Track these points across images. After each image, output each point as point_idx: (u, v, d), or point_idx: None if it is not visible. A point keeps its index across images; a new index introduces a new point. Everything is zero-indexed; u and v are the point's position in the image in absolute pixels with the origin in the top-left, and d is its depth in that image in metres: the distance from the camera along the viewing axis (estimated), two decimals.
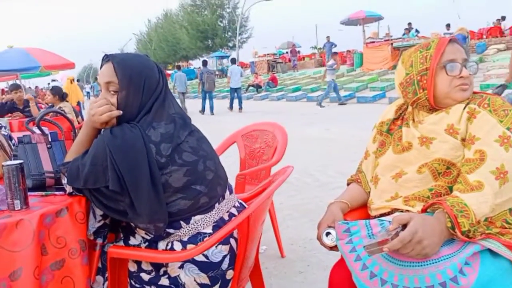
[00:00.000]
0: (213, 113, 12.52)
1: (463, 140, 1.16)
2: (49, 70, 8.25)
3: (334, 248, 1.24)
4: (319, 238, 1.28)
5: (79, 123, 5.57)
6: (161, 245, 1.31)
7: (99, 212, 1.39)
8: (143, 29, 50.32)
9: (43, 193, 1.39)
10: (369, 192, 1.39)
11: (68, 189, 1.30)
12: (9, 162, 1.23)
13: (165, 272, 1.30)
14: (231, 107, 12.99)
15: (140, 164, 1.19)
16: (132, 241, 1.38)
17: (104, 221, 1.42)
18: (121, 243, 1.40)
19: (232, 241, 1.35)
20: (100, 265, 1.41)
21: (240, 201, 1.52)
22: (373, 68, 15.83)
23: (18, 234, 1.15)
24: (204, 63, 14.38)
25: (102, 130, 1.29)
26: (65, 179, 1.30)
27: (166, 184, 1.24)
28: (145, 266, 1.33)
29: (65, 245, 1.26)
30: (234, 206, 1.43)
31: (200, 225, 1.29)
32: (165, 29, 42.22)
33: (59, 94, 5.47)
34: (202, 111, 12.94)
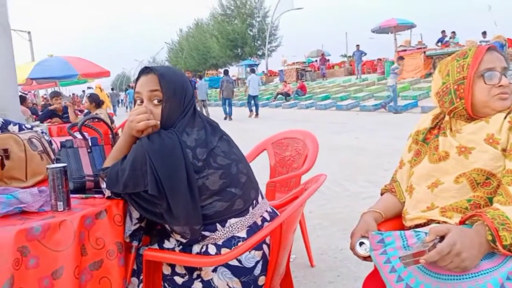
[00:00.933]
0: (231, 118, 13.42)
1: (504, 150, 1.13)
2: (86, 78, 8.59)
3: (367, 258, 1.22)
4: (352, 248, 1.27)
5: (113, 129, 5.76)
6: (196, 248, 1.34)
7: (135, 215, 1.44)
8: (174, 38, 51.61)
9: (83, 195, 1.44)
10: (404, 202, 1.36)
11: (107, 193, 1.36)
12: (53, 165, 1.29)
13: (199, 276, 1.32)
14: (250, 111, 14.11)
15: (178, 168, 1.24)
16: (167, 244, 1.42)
17: (139, 224, 1.47)
18: (156, 246, 1.44)
19: (264, 247, 1.36)
20: (135, 267, 1.45)
21: (272, 207, 1.53)
22: (405, 77, 15.52)
23: (60, 234, 1.21)
24: (225, 72, 15.28)
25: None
26: (104, 183, 1.35)
27: (203, 187, 1.27)
28: (179, 269, 1.36)
29: (104, 247, 1.31)
30: (266, 211, 1.45)
31: (235, 228, 1.32)
32: (196, 38, 43.07)
33: (96, 101, 5.67)
34: (227, 117, 13.66)
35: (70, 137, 1.62)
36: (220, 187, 1.30)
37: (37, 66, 7.16)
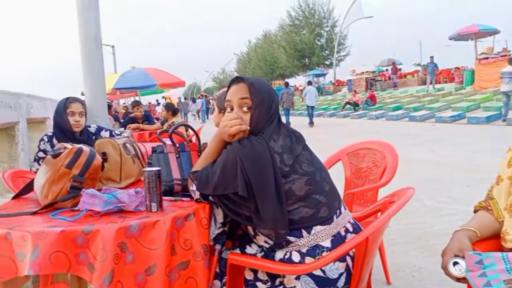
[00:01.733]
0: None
1: None
2: (164, 88, 9.13)
3: (461, 280, 1.14)
4: (444, 267, 1.19)
5: (188, 136, 6.03)
6: (279, 254, 1.35)
7: (219, 219, 1.49)
8: (243, 49, 52.90)
9: (172, 198, 1.53)
10: (502, 221, 1.26)
11: (196, 195, 1.42)
12: (149, 169, 1.38)
13: (281, 283, 1.33)
14: (311, 123, 14.58)
15: (266, 171, 1.28)
16: (249, 250, 1.45)
17: (223, 228, 1.52)
18: (237, 250, 1.47)
19: (348, 259, 1.33)
20: (218, 270, 1.49)
21: (354, 219, 1.50)
22: (486, 87, 14.40)
23: (154, 233, 1.29)
24: (286, 84, 16.30)
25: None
26: (194, 185, 1.42)
27: (289, 192, 1.30)
28: (261, 275, 1.38)
29: (191, 248, 1.37)
30: (349, 222, 1.43)
31: (319, 236, 1.32)
32: (264, 49, 43.79)
33: (172, 110, 6.00)
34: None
35: (148, 143, 1.74)
36: (306, 193, 1.32)
37: (121, 77, 7.77)
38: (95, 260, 1.20)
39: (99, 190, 1.47)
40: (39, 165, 2.49)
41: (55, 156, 1.52)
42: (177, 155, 1.66)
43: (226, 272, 1.46)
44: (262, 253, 1.41)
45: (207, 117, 23.83)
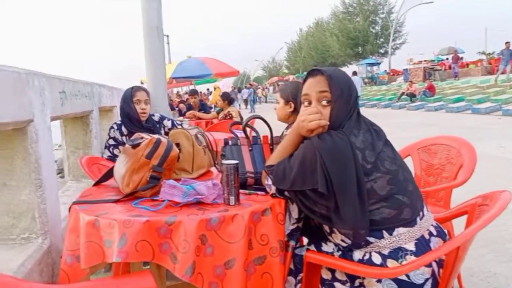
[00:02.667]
0: None
1: None
2: (219, 77, 9.24)
3: None
4: None
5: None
6: (357, 254, 1.30)
7: (294, 215, 1.46)
8: (294, 38, 52.33)
9: (247, 191, 1.52)
10: None
11: (272, 190, 1.40)
12: (227, 161, 1.38)
13: (361, 284, 1.28)
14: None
15: (347, 168, 1.22)
16: (324, 247, 1.41)
17: (297, 224, 1.49)
18: (312, 247, 1.44)
19: (434, 264, 1.25)
20: (292, 267, 1.47)
21: (436, 221, 1.41)
22: None
23: (233, 227, 1.28)
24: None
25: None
26: (269, 180, 1.40)
27: (371, 191, 1.24)
28: (339, 275, 1.34)
29: (268, 243, 1.35)
30: (432, 225, 1.34)
31: (402, 239, 1.25)
32: (316, 37, 43.00)
33: (228, 99, 6.03)
34: None
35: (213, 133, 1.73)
36: (388, 193, 1.25)
37: (178, 66, 7.95)
38: (178, 251, 1.22)
39: (178, 180, 1.49)
40: (110, 152, 2.61)
41: (134, 146, 1.56)
42: (250, 148, 1.64)
43: (301, 269, 1.43)
44: (340, 252, 1.36)
45: (254, 108, 23.84)
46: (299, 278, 1.44)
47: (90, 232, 1.30)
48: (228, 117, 5.77)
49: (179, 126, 2.91)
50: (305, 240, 1.57)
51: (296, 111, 2.05)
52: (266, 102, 30.74)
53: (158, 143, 1.51)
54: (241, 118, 6.15)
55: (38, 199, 1.57)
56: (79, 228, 1.36)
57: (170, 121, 2.92)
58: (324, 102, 1.34)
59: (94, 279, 1.29)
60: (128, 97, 2.57)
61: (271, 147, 1.66)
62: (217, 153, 2.06)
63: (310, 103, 1.38)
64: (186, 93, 18.48)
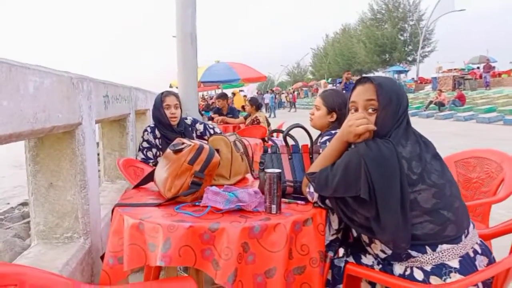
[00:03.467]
0: None
1: None
2: (246, 82, 9.29)
3: None
4: None
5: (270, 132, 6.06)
6: (398, 269, 1.28)
7: (334, 226, 1.46)
8: (320, 43, 52.11)
9: (287, 200, 1.52)
10: None
11: (313, 197, 1.40)
12: (270, 170, 1.39)
13: None
14: None
15: (392, 177, 1.21)
16: (364, 260, 1.39)
17: (337, 235, 1.48)
18: (351, 259, 1.43)
19: (480, 285, 1.21)
20: (329, 278, 1.46)
21: (480, 239, 1.37)
22: None
23: (275, 236, 1.28)
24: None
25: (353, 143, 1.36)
26: (311, 187, 1.40)
27: (414, 202, 1.23)
28: None
29: (308, 253, 1.34)
30: (477, 243, 1.31)
31: (446, 255, 1.22)
32: (342, 44, 42.72)
33: (256, 105, 6.06)
34: None
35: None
36: (433, 207, 1.23)
37: (207, 71, 8.05)
38: (220, 257, 1.23)
39: (219, 186, 1.50)
40: (143, 154, 2.66)
41: (176, 151, 1.59)
42: (290, 156, 1.64)
43: (339, 280, 1.42)
44: (380, 265, 1.34)
45: (274, 114, 23.72)
46: None
47: (134, 235, 1.33)
48: (256, 122, 5.79)
49: (211, 130, 2.95)
50: (340, 251, 1.56)
51: (337, 121, 2.05)
52: (294, 108, 29.51)
53: (200, 149, 1.54)
54: (268, 123, 6.16)
55: (82, 199, 1.61)
56: (122, 230, 1.39)
57: (202, 125, 2.96)
58: (370, 110, 1.34)
59: (139, 283, 1.31)
60: (158, 103, 2.63)
61: (310, 156, 1.65)
62: (252, 159, 2.07)
63: (356, 110, 1.38)
64: (211, 97, 18.67)
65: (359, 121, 1.31)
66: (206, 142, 1.73)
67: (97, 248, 1.73)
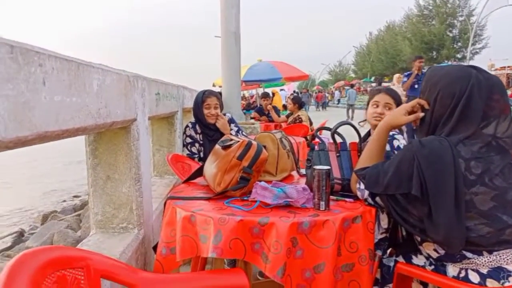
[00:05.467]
0: None
1: None
2: (288, 81, 9.27)
3: None
4: None
5: (311, 130, 6.02)
6: (452, 270, 1.25)
7: (383, 224, 1.44)
8: (363, 41, 50.99)
9: (335, 197, 1.51)
10: None
11: (364, 195, 1.39)
12: (319, 167, 1.39)
13: None
14: None
15: (445, 175, 1.18)
16: (415, 260, 1.36)
17: (385, 234, 1.46)
18: (401, 259, 1.40)
19: None
20: (378, 277, 1.44)
21: None
22: None
23: (324, 232, 1.29)
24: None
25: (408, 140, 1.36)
26: (361, 184, 1.39)
27: (470, 203, 1.19)
28: None
29: (357, 251, 1.34)
30: None
31: (503, 259, 1.18)
32: (386, 41, 41.48)
33: (298, 103, 6.03)
34: None
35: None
36: (490, 210, 1.18)
37: (249, 70, 8.12)
38: (269, 251, 1.26)
39: (268, 182, 1.53)
40: (188, 150, 2.73)
41: (225, 147, 1.63)
42: (337, 154, 1.64)
43: (389, 280, 1.40)
44: (432, 266, 1.31)
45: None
46: None
47: (186, 226, 1.38)
48: (298, 121, 5.77)
49: (242, 136, 2.96)
50: (389, 251, 1.54)
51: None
52: (323, 107, 29.51)
53: (249, 145, 1.57)
54: (311, 122, 6.12)
55: (136, 192, 1.69)
56: (174, 222, 1.45)
57: (236, 128, 2.96)
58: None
59: (192, 272, 1.37)
60: (199, 101, 2.69)
61: (358, 154, 1.64)
62: (298, 157, 2.08)
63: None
64: (252, 96, 18.78)
65: (406, 105, 1.37)
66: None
67: (149, 239, 1.81)
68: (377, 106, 1.85)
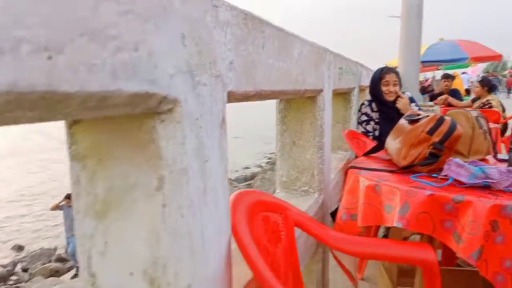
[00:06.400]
0: None
1: None
2: (475, 61, 8.15)
3: None
4: None
5: (504, 118, 5.20)
6: None
7: None
8: None
9: None
10: None
11: None
12: None
13: None
14: None
15: None
16: None
17: None
18: None
19: None
20: None
21: None
22: None
23: None
24: None
25: None
26: None
27: None
28: None
29: None
30: None
31: None
32: None
33: (488, 86, 5.27)
34: None
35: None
36: None
37: (428, 50, 7.40)
38: (463, 231, 1.17)
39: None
40: (363, 127, 2.70)
41: (412, 121, 1.56)
42: None
43: None
44: None
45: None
46: None
47: (370, 195, 1.39)
48: (487, 106, 5.04)
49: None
50: None
51: None
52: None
53: (441, 120, 1.47)
54: (503, 109, 5.29)
55: (318, 159, 1.78)
56: (356, 190, 1.49)
57: (417, 108, 2.77)
58: None
59: (379, 238, 1.38)
60: (376, 78, 2.60)
61: None
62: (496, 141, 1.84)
63: None
64: (426, 80, 17.26)
65: None
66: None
67: (327, 205, 1.90)
68: None
